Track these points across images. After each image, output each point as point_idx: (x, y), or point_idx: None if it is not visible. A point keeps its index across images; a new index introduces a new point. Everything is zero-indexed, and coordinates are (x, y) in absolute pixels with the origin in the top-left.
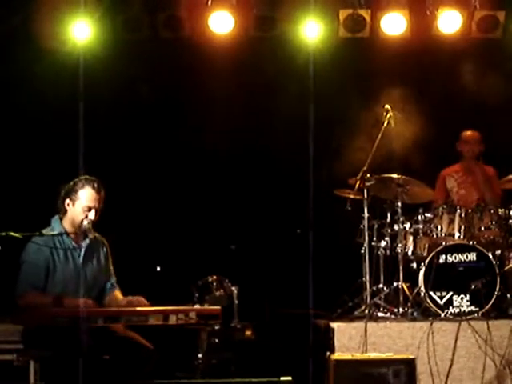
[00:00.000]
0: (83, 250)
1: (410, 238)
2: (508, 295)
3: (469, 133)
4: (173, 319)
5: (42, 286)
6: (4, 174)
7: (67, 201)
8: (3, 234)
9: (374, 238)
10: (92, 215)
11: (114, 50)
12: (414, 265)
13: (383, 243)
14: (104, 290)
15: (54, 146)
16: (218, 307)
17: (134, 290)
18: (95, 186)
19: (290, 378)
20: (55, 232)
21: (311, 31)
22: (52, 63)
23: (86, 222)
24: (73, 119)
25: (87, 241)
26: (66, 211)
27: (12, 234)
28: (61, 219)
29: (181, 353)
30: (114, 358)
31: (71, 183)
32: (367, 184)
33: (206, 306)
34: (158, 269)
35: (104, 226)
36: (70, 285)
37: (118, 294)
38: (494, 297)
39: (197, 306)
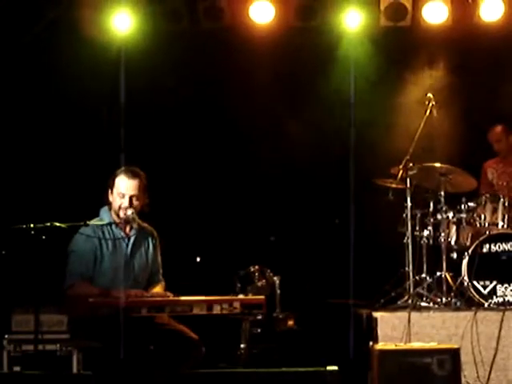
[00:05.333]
0: (132, 240)
1: (453, 228)
2: None
3: (491, 130)
4: (217, 309)
5: (90, 276)
6: (47, 165)
7: (109, 191)
8: (48, 224)
9: (417, 228)
10: (126, 202)
11: (154, 40)
12: (457, 254)
13: (426, 232)
14: (150, 282)
15: (95, 135)
16: (262, 297)
17: (175, 280)
18: (129, 173)
19: (336, 368)
20: (104, 222)
21: (352, 20)
22: (93, 53)
23: (130, 212)
24: (114, 109)
25: (135, 231)
26: (110, 202)
27: (56, 224)
28: (110, 210)
29: (223, 343)
30: (158, 348)
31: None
32: (410, 173)
33: (249, 296)
34: (198, 259)
35: (145, 217)
36: (119, 275)
37: (158, 288)
38: None
39: (241, 296)
